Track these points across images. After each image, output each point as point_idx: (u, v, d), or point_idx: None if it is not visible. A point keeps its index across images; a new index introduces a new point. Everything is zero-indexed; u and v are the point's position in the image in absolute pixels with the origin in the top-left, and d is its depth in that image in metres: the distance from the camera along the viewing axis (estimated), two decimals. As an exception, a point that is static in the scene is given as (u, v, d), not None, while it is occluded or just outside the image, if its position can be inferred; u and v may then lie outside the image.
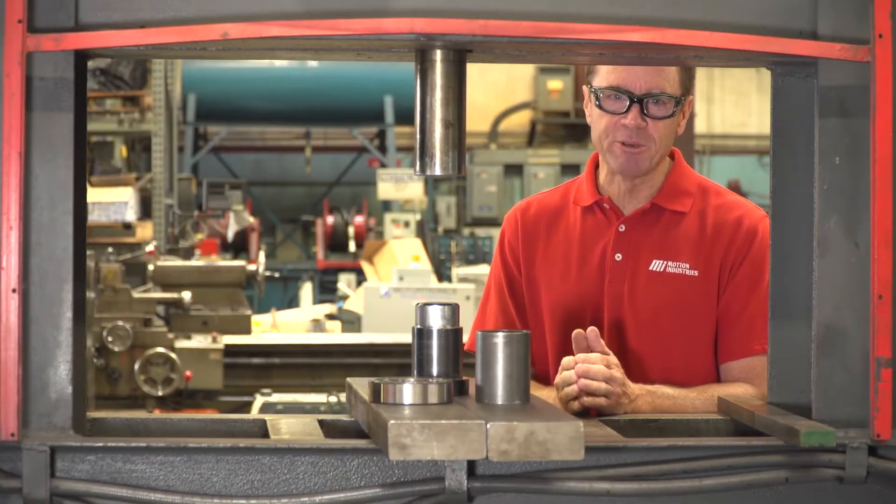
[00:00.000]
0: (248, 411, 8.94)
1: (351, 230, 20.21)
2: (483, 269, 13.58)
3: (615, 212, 3.52)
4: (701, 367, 3.46)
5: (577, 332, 3.28)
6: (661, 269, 3.46)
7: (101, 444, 2.68)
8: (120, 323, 9.33)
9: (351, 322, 11.56)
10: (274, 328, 11.39)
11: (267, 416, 3.04)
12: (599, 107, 3.43)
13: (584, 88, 3.50)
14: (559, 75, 21.33)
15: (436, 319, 2.91)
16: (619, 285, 3.46)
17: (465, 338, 3.05)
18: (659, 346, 3.43)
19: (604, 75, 3.42)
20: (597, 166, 3.60)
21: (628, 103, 3.39)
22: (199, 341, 9.68)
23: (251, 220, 17.20)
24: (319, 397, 8.76)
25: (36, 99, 2.67)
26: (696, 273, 3.45)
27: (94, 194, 11.25)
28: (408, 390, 2.71)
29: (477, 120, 21.08)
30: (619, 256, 3.48)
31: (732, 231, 3.47)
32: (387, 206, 19.85)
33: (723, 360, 3.44)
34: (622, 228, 3.50)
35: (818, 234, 2.79)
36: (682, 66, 3.41)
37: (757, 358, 3.42)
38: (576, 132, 21.73)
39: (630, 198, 3.53)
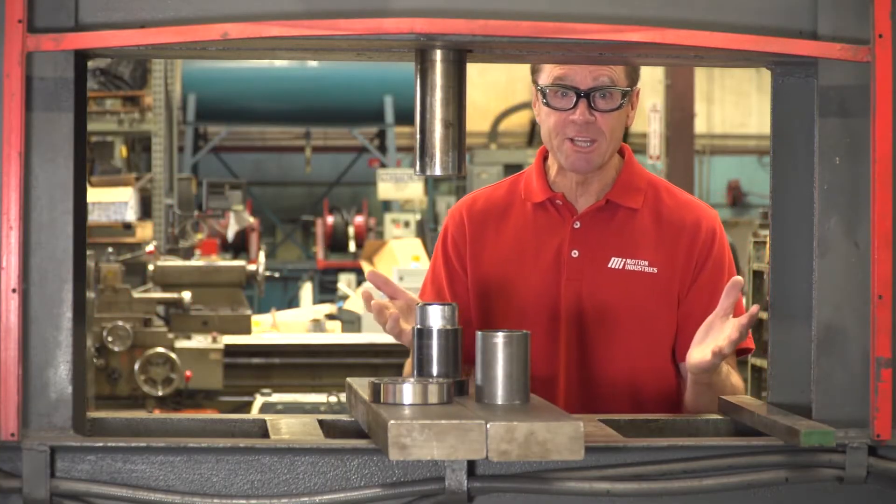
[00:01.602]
0: (248, 411, 8.94)
1: (351, 230, 20.22)
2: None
3: (568, 208, 3.49)
4: (660, 364, 3.46)
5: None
6: (621, 267, 3.45)
7: (101, 444, 2.68)
8: (120, 323, 9.34)
9: (351, 322, 11.55)
10: (274, 328, 11.40)
11: (267, 416, 3.04)
12: (547, 104, 3.40)
13: (532, 87, 3.48)
14: (559, 75, 21.29)
15: (436, 319, 2.90)
16: (576, 282, 3.44)
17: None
18: (619, 342, 3.42)
19: (548, 72, 3.39)
20: (545, 158, 3.58)
21: (575, 99, 3.36)
22: (199, 341, 9.69)
23: (251, 220, 17.22)
24: (319, 397, 8.76)
25: (36, 99, 2.67)
26: (656, 270, 3.44)
27: (94, 194, 11.27)
28: (408, 390, 2.71)
29: (477, 120, 21.08)
30: (575, 253, 3.45)
31: (693, 233, 3.46)
32: (387, 206, 19.86)
33: (684, 359, 3.40)
34: (577, 225, 3.47)
35: (818, 234, 2.79)
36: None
37: None
38: (575, 132, 21.67)
39: (582, 193, 3.50)
